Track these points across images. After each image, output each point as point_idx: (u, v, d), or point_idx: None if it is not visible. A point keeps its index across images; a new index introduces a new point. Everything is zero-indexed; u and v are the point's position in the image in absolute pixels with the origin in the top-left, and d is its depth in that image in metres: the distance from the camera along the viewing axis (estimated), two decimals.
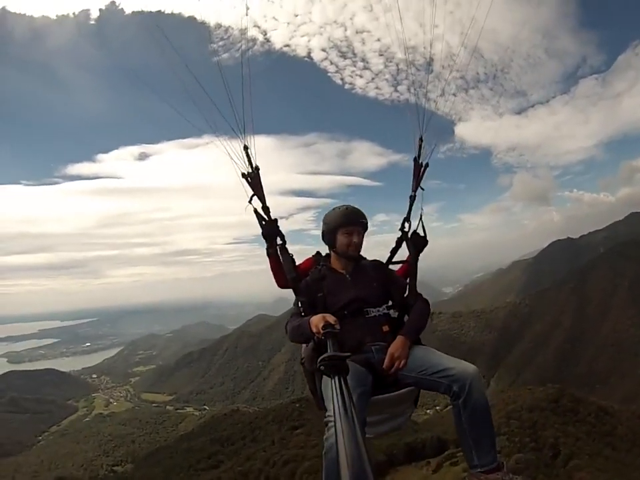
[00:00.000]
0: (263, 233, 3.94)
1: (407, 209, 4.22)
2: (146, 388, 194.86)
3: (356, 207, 3.76)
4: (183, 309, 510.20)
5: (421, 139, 4.26)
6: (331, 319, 2.88)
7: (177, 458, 72.96)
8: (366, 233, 3.88)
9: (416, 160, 4.30)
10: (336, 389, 1.67)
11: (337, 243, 3.69)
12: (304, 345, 3.56)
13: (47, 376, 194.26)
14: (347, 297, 3.50)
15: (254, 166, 3.96)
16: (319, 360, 1.97)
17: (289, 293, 3.96)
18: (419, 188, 4.25)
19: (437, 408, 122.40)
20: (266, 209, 3.94)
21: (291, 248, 4.03)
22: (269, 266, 4.05)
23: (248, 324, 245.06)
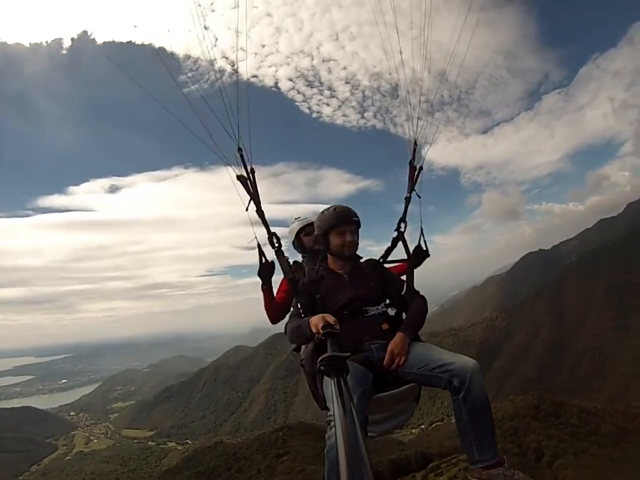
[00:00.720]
0: (259, 273, 4.03)
1: (403, 208, 4.24)
2: (126, 424, 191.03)
3: (346, 205, 3.72)
4: (159, 343, 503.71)
5: (415, 143, 4.30)
6: (330, 318, 2.88)
7: None
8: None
9: (411, 163, 4.31)
10: (335, 389, 1.65)
11: (331, 244, 3.66)
12: (303, 346, 3.59)
13: (24, 414, 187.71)
14: (345, 296, 3.48)
15: (249, 168, 3.93)
16: (318, 360, 1.95)
17: (266, 324, 4.21)
18: (417, 195, 4.27)
19: (422, 427, 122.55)
20: (261, 212, 3.91)
21: None
22: (263, 301, 4.12)
23: (225, 356, 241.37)
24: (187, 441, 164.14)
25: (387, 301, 3.60)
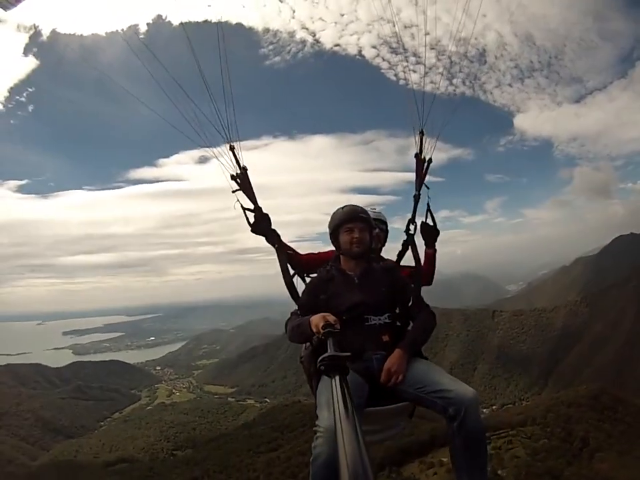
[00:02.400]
0: (252, 231, 3.96)
1: (412, 209, 4.16)
2: (209, 380, 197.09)
3: (356, 204, 3.66)
4: (247, 305, 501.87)
5: (421, 133, 4.13)
6: (331, 318, 2.82)
7: (237, 443, 76.81)
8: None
9: (417, 156, 4.17)
10: (336, 388, 1.60)
11: (341, 242, 3.56)
12: (303, 345, 3.65)
13: (111, 366, 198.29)
14: (350, 300, 3.35)
15: (242, 166, 3.94)
16: (318, 360, 1.93)
17: None
18: (425, 186, 4.14)
19: (494, 407, 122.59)
20: (258, 209, 3.95)
21: None
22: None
23: None
24: (266, 399, 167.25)
25: (397, 310, 3.50)
